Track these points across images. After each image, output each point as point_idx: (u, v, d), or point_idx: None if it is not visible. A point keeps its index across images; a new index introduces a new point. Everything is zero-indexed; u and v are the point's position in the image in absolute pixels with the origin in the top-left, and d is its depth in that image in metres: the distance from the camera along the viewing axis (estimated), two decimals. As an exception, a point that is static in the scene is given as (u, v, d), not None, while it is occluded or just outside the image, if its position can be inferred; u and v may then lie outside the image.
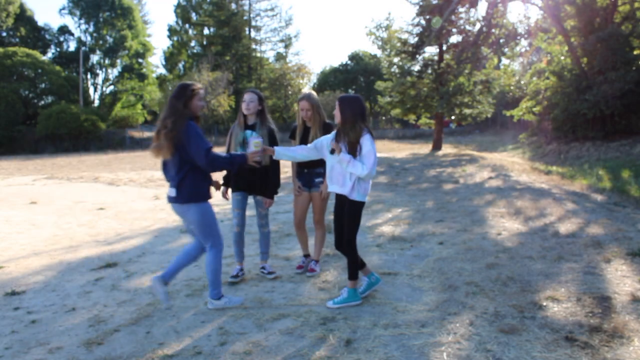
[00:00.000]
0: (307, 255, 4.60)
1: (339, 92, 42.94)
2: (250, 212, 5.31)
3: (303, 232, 4.54)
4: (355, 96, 3.57)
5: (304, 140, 4.25)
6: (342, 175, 3.52)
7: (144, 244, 5.92)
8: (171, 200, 3.45)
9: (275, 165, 4.17)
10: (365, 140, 3.42)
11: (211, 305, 3.60)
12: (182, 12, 50.40)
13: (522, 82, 26.55)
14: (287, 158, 3.75)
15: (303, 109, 4.24)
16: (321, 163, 4.24)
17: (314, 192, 4.35)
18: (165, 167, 3.55)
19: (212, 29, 48.65)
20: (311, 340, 3.01)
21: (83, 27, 44.22)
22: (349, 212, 3.54)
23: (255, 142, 3.48)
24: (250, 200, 4.37)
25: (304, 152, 3.74)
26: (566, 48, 17.35)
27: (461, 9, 19.67)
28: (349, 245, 3.57)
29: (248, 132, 4.08)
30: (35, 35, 43.18)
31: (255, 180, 4.15)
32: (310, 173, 4.33)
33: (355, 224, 3.56)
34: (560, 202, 7.55)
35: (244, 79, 46.55)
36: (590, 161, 14.08)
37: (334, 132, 3.67)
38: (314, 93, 4.36)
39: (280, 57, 50.18)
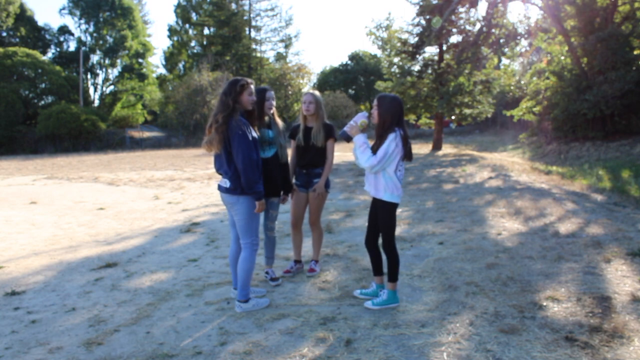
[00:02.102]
0: (297, 261, 4.50)
1: (339, 92, 42.89)
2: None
3: (298, 233, 4.46)
4: (394, 96, 3.48)
5: (306, 140, 4.21)
6: (373, 176, 3.49)
7: (144, 244, 5.92)
8: (223, 190, 3.55)
9: (287, 163, 4.20)
10: (389, 138, 3.37)
11: (239, 309, 3.55)
12: (182, 12, 50.39)
13: (522, 82, 26.54)
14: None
15: (306, 102, 4.18)
16: (320, 163, 4.24)
17: (312, 193, 4.31)
18: (216, 161, 3.61)
19: (212, 29, 48.62)
20: (311, 340, 3.01)
21: (83, 27, 44.23)
22: (381, 214, 3.51)
23: (362, 121, 3.49)
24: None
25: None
26: (566, 48, 17.34)
27: (461, 9, 19.64)
28: (388, 247, 3.53)
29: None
30: (35, 35, 43.16)
31: (271, 181, 4.04)
32: (308, 173, 4.31)
33: (388, 225, 3.51)
34: (560, 202, 7.55)
35: (244, 79, 46.43)
36: (590, 161, 14.07)
37: (360, 115, 3.57)
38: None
39: (280, 57, 50.15)
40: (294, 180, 4.36)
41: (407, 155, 3.45)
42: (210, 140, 3.43)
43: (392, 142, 3.36)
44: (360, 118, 3.50)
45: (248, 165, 3.33)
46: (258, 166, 3.44)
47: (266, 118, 4.07)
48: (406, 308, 3.50)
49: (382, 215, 3.51)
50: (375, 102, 3.48)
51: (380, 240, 3.61)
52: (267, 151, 3.98)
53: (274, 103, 4.11)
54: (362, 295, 3.73)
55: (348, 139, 3.52)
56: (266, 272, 4.32)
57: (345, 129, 3.53)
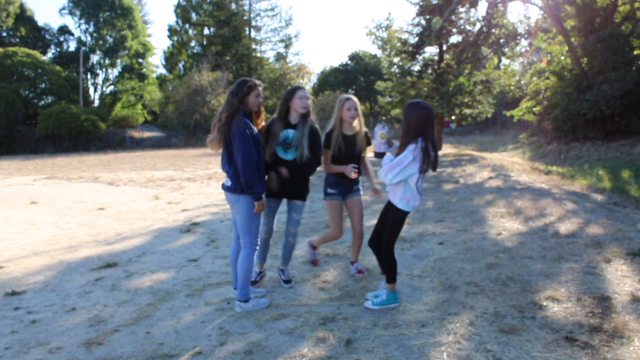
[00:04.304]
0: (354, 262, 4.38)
1: (339, 92, 42.87)
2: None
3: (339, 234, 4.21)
4: (420, 104, 3.36)
5: (347, 148, 3.95)
6: (400, 188, 3.42)
7: (144, 244, 5.92)
8: (225, 188, 3.58)
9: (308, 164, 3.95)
10: (407, 149, 3.26)
11: (239, 308, 3.55)
12: (182, 12, 50.39)
13: (522, 82, 26.51)
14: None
15: (351, 108, 3.92)
16: (360, 171, 4.05)
17: (353, 198, 4.09)
18: (222, 160, 3.62)
19: (212, 29, 48.63)
20: (311, 340, 3.01)
21: (83, 27, 44.24)
22: (391, 217, 3.47)
23: (381, 133, 3.48)
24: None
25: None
26: (566, 48, 17.33)
27: (461, 9, 19.65)
28: (387, 249, 3.49)
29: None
30: (35, 35, 43.17)
31: (295, 183, 3.88)
32: (351, 181, 4.06)
33: (393, 230, 3.48)
34: (560, 202, 7.55)
35: (244, 79, 46.47)
36: (590, 161, 14.07)
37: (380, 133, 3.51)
38: None
39: (280, 57, 50.16)
40: (329, 190, 4.09)
41: (428, 168, 3.33)
42: (212, 139, 3.47)
43: (408, 154, 3.25)
44: (378, 131, 3.51)
45: (247, 166, 3.34)
46: (258, 167, 3.44)
47: (293, 118, 3.86)
48: (406, 308, 3.50)
49: (391, 218, 3.48)
50: (404, 110, 3.40)
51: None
52: (289, 153, 3.83)
53: (309, 103, 3.87)
54: (375, 305, 3.55)
55: (381, 155, 3.54)
56: (281, 270, 4.18)
57: (375, 150, 3.55)
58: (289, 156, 3.83)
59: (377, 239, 3.62)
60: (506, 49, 22.22)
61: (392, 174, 3.30)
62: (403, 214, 3.44)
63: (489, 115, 23.12)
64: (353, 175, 3.85)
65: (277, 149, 3.83)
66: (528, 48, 29.97)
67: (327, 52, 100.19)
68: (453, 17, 19.52)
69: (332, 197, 4.08)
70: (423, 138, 3.28)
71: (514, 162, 15.35)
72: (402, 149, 3.34)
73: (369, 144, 4.10)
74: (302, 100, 3.82)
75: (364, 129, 4.09)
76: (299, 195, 3.97)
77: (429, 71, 21.24)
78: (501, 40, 20.35)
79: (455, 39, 21.26)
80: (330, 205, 4.08)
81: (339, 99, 4.03)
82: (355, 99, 4.01)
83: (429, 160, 3.30)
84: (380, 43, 23.24)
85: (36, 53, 37.86)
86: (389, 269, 3.52)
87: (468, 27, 20.32)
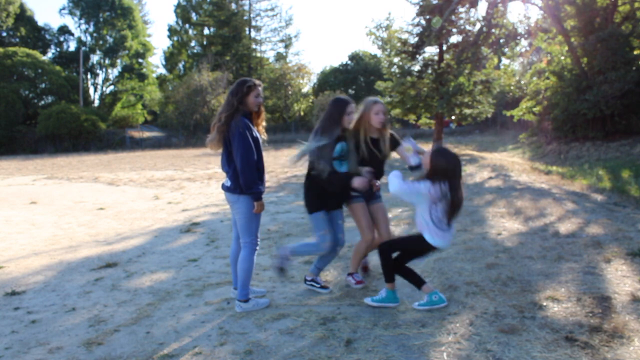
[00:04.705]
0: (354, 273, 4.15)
1: (339, 92, 42.87)
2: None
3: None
4: (451, 156, 3.31)
5: (371, 152, 3.79)
6: (419, 215, 3.40)
7: (144, 244, 5.92)
8: (225, 188, 3.58)
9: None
10: (427, 182, 3.25)
11: (239, 308, 3.55)
12: (182, 12, 50.40)
13: (522, 82, 26.51)
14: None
15: (378, 112, 3.74)
16: (382, 173, 3.98)
17: (377, 204, 3.95)
18: (222, 160, 3.62)
19: (212, 29, 48.64)
20: (311, 340, 3.01)
21: (83, 27, 44.29)
22: (413, 235, 3.46)
23: (407, 148, 3.49)
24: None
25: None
26: (566, 48, 17.32)
27: (461, 9, 19.65)
28: (384, 250, 3.48)
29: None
30: (35, 35, 43.20)
31: (340, 193, 3.81)
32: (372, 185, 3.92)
33: (406, 244, 3.50)
34: (560, 202, 7.55)
35: (244, 79, 46.49)
36: (590, 161, 14.06)
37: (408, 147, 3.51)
38: None
39: (280, 57, 50.17)
40: (352, 194, 3.89)
41: (451, 211, 3.30)
42: (212, 139, 3.48)
43: (426, 185, 3.24)
44: (404, 145, 3.58)
45: (246, 166, 3.34)
46: (258, 167, 3.44)
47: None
48: (406, 308, 3.50)
49: (411, 237, 3.48)
50: (430, 155, 3.36)
51: (395, 254, 3.54)
52: (342, 166, 3.74)
53: (354, 117, 3.75)
54: (421, 306, 3.51)
55: (416, 167, 3.56)
56: (313, 281, 3.95)
57: (408, 164, 3.60)
58: (342, 169, 3.74)
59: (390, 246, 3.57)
60: (506, 49, 22.22)
61: (400, 189, 3.27)
62: (426, 244, 3.39)
63: (489, 115, 23.12)
64: (375, 187, 3.84)
65: (334, 163, 3.69)
66: (528, 48, 29.98)
67: (327, 52, 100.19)
68: (453, 17, 19.52)
69: (357, 199, 3.87)
70: (444, 182, 3.26)
71: (514, 162, 15.35)
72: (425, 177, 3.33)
73: (395, 146, 3.88)
74: (348, 115, 3.69)
75: (390, 131, 3.90)
76: (344, 201, 3.91)
77: (429, 71, 21.24)
78: (501, 40, 20.34)
79: (455, 39, 21.28)
80: (358, 208, 3.84)
81: (365, 101, 3.85)
82: (381, 101, 3.84)
83: (452, 204, 3.27)
84: (380, 43, 23.22)
85: (36, 53, 37.88)
86: (384, 269, 3.54)
87: (468, 27, 20.33)
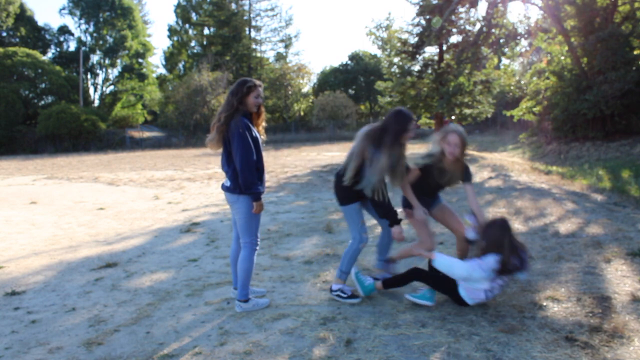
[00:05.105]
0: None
1: (339, 92, 42.84)
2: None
3: None
4: (501, 224, 3.36)
5: (436, 181, 3.75)
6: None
7: (144, 244, 5.92)
8: (225, 188, 3.58)
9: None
10: (477, 262, 3.29)
11: (239, 308, 3.55)
12: (182, 12, 50.40)
13: (522, 82, 26.53)
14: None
15: (451, 143, 3.56)
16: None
17: (441, 205, 4.01)
18: (221, 160, 3.62)
19: (212, 29, 48.64)
20: (311, 340, 3.01)
21: (83, 27, 44.26)
22: (451, 282, 3.44)
23: (465, 222, 3.63)
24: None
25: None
26: (566, 48, 17.33)
27: (461, 9, 19.66)
28: (411, 273, 3.60)
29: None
30: (35, 35, 43.18)
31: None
32: (435, 197, 4.00)
33: (434, 281, 3.51)
34: (560, 202, 7.55)
35: (244, 79, 46.49)
36: (590, 161, 14.06)
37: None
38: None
39: (280, 57, 50.15)
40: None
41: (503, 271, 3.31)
42: (211, 139, 3.48)
43: (477, 268, 3.28)
44: (467, 218, 3.69)
45: (245, 166, 3.34)
46: (257, 168, 3.44)
47: None
48: (406, 308, 3.50)
49: (444, 277, 3.45)
50: (483, 227, 3.45)
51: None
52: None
53: (412, 134, 3.55)
54: (413, 298, 3.56)
55: (472, 242, 3.62)
56: (340, 291, 3.70)
57: (466, 237, 3.68)
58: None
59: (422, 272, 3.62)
60: (506, 49, 22.26)
61: (459, 270, 3.33)
62: (460, 296, 3.41)
63: (489, 115, 23.11)
64: (399, 238, 3.73)
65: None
66: (528, 48, 30.01)
67: (327, 52, 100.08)
68: (453, 17, 19.54)
69: (418, 212, 3.83)
70: (501, 253, 3.27)
71: (514, 162, 15.35)
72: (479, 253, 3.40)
73: (466, 179, 3.74)
74: (408, 132, 3.52)
75: (465, 163, 3.73)
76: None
77: (429, 71, 21.25)
78: (501, 40, 20.37)
79: (455, 39, 21.29)
80: (418, 220, 3.83)
81: (444, 128, 3.71)
82: (460, 133, 3.60)
83: (508, 269, 3.29)
84: (380, 43, 23.36)
85: (36, 53, 37.88)
86: (401, 281, 3.67)
87: (468, 27, 20.35)
